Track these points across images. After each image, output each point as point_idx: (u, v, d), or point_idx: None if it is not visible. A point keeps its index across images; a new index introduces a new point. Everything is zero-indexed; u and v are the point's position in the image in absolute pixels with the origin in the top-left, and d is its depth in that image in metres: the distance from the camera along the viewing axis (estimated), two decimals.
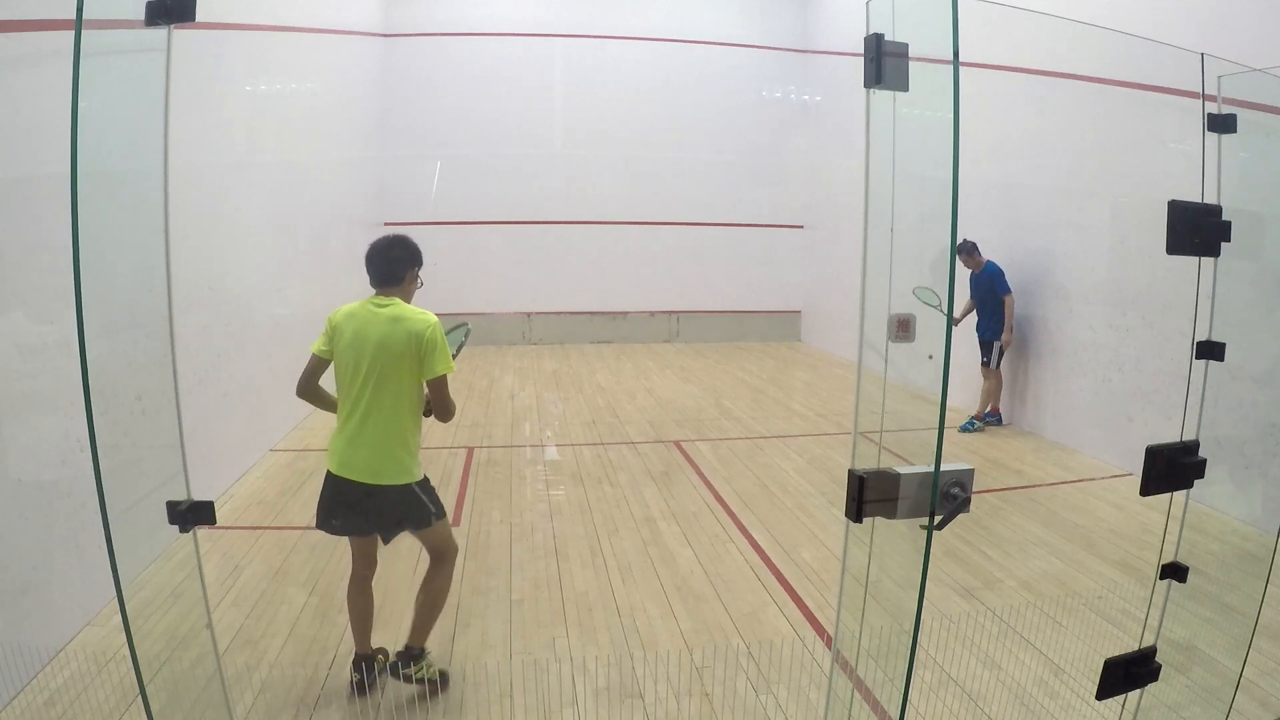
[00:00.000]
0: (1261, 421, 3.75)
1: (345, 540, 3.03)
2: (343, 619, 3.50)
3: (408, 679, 2.92)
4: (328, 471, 2.89)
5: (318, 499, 2.94)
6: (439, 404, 2.93)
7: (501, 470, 5.83)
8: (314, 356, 2.99)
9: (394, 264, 2.92)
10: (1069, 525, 4.70)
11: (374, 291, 2.94)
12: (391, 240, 2.96)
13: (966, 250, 6.74)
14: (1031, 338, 6.90)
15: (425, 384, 2.89)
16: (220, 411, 5.23)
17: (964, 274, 6.90)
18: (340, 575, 3.95)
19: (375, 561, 3.02)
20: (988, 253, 6.90)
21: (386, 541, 3.01)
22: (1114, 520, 4.78)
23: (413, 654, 2.94)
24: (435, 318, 2.88)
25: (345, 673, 3.05)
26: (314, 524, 3.01)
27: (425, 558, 3.07)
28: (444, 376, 2.87)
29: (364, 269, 2.94)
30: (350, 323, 2.89)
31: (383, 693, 2.96)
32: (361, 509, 2.86)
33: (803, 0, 12.46)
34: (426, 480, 2.95)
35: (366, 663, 2.95)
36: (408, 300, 2.96)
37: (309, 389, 3.04)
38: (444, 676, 3.00)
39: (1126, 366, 5.88)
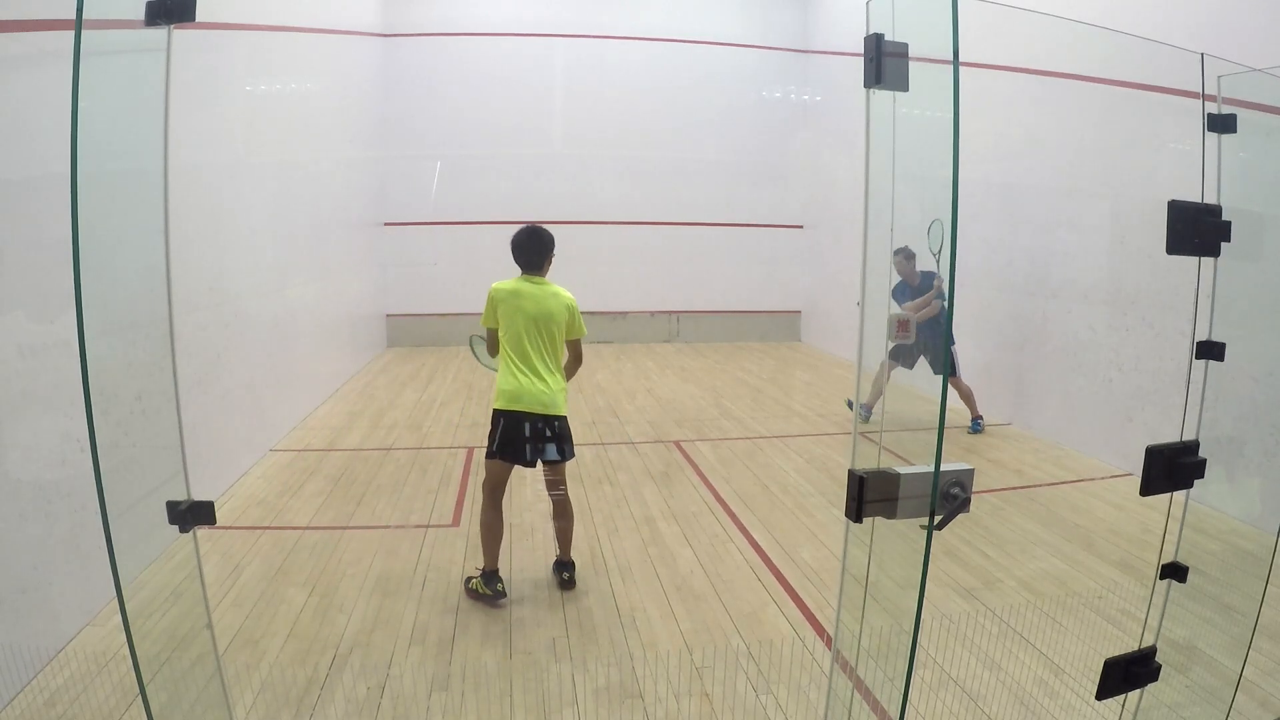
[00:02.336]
0: (1261, 421, 3.75)
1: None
2: (342, 618, 3.51)
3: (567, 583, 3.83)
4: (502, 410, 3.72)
5: (495, 435, 3.73)
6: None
7: None
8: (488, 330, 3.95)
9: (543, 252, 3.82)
10: (1069, 525, 4.70)
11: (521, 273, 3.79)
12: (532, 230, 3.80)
13: (905, 255, 6.24)
14: (1032, 337, 6.90)
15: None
16: (220, 411, 5.23)
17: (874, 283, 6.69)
18: (340, 575, 3.96)
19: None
20: (989, 251, 6.91)
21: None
22: (1114, 520, 4.78)
23: (566, 565, 3.89)
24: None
25: (345, 673, 3.05)
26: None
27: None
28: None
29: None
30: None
31: (383, 692, 2.96)
32: (534, 436, 3.71)
33: (803, 0, 12.46)
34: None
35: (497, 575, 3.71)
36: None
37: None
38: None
39: (1126, 366, 5.88)
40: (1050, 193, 6.68)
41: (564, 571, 3.88)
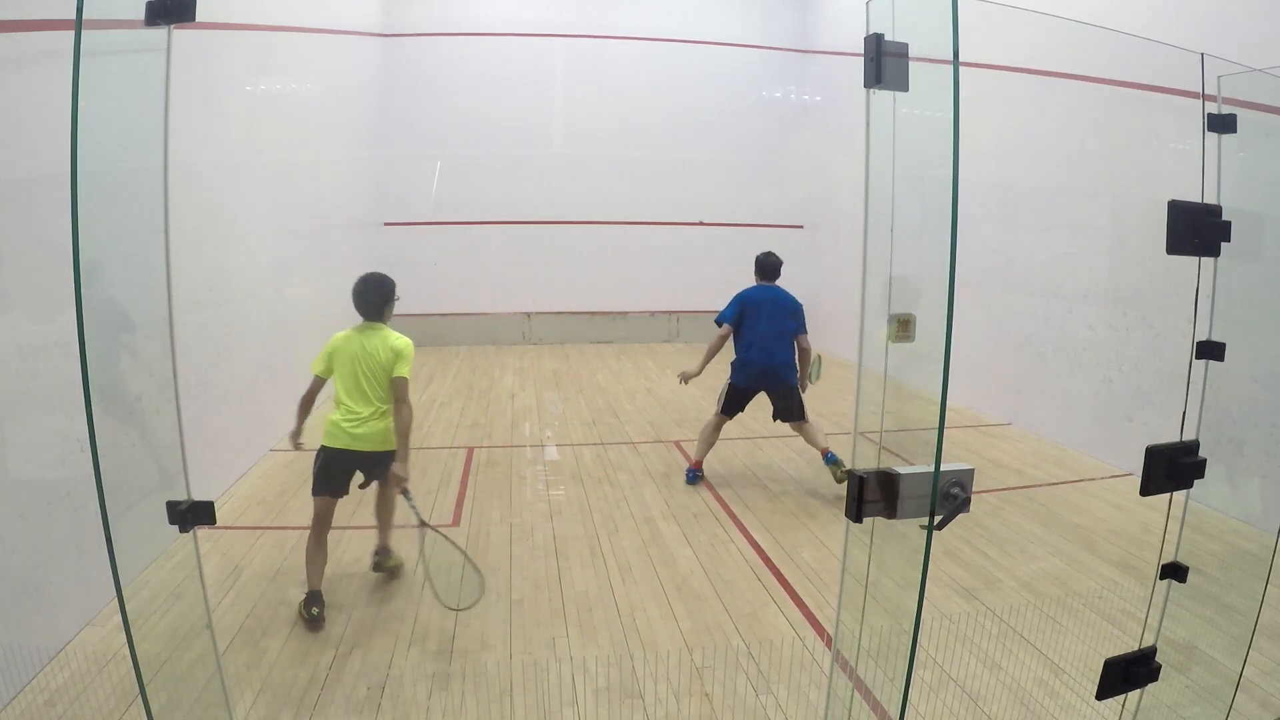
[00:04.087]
0: (1261, 421, 3.75)
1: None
2: (342, 618, 3.51)
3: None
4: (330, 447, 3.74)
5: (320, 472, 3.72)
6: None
7: (501, 470, 5.83)
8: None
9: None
10: (1069, 525, 4.70)
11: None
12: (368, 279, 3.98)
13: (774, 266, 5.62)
14: (1032, 338, 6.90)
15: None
16: (220, 411, 5.23)
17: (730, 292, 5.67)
18: (340, 575, 3.96)
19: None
20: (989, 251, 6.90)
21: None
22: (1114, 520, 4.78)
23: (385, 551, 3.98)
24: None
25: (345, 673, 3.05)
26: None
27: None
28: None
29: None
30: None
31: (383, 692, 2.96)
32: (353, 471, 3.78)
33: (803, 0, 12.46)
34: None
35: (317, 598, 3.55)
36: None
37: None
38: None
39: (1126, 366, 5.88)
40: (1050, 193, 6.67)
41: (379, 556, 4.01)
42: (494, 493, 5.30)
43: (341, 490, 3.74)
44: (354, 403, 3.70)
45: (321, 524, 3.68)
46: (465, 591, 3.46)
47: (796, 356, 5.44)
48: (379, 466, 3.78)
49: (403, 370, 3.79)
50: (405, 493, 3.66)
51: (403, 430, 3.66)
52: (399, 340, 3.91)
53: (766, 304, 5.38)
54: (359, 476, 3.82)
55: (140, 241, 1.90)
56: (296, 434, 3.87)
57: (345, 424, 3.66)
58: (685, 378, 5.56)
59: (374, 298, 3.98)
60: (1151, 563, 2.36)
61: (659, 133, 12.15)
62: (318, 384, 3.86)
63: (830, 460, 5.31)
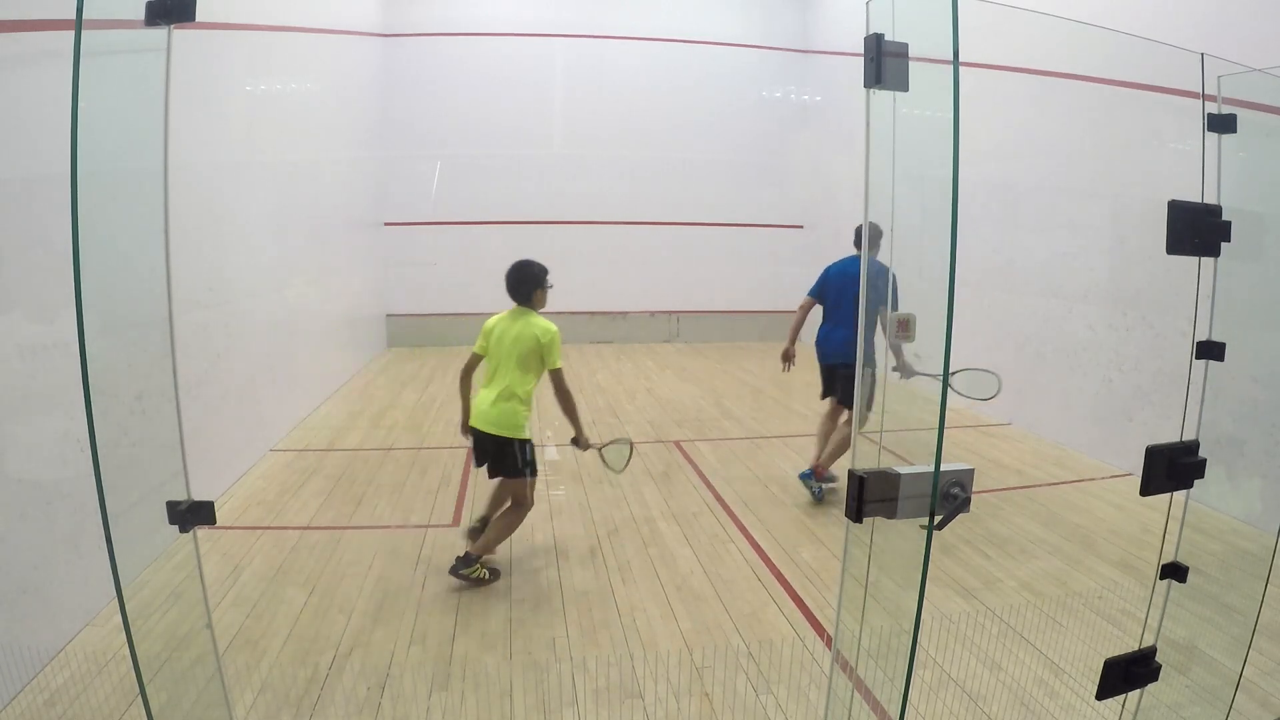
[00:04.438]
0: (1261, 421, 3.75)
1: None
2: (342, 618, 3.52)
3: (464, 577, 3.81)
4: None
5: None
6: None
7: None
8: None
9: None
10: (1069, 525, 4.70)
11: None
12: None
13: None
14: (1032, 338, 6.90)
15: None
16: (220, 411, 5.23)
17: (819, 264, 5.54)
18: (340, 575, 3.96)
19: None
20: (989, 251, 6.90)
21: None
22: (1114, 520, 4.78)
23: (470, 560, 3.84)
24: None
25: (345, 673, 3.06)
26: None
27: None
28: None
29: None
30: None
31: (383, 692, 2.96)
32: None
33: (803, 0, 12.46)
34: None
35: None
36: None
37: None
38: (494, 573, 3.92)
39: (1126, 366, 5.88)
40: (1050, 193, 6.67)
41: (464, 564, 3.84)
42: None
43: (479, 465, 4.06)
44: (490, 383, 3.97)
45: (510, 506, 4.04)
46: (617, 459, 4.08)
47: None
48: (502, 458, 3.93)
49: (554, 361, 3.97)
50: (587, 448, 4.13)
51: (570, 411, 4.05)
52: (543, 329, 3.95)
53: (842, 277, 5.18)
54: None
55: (140, 241, 1.90)
56: (464, 418, 4.08)
57: (481, 404, 3.96)
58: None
59: (522, 284, 4.02)
60: (1151, 563, 2.36)
61: (659, 133, 12.15)
62: (474, 360, 4.07)
63: (805, 477, 5.08)
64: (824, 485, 5.05)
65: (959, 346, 1.60)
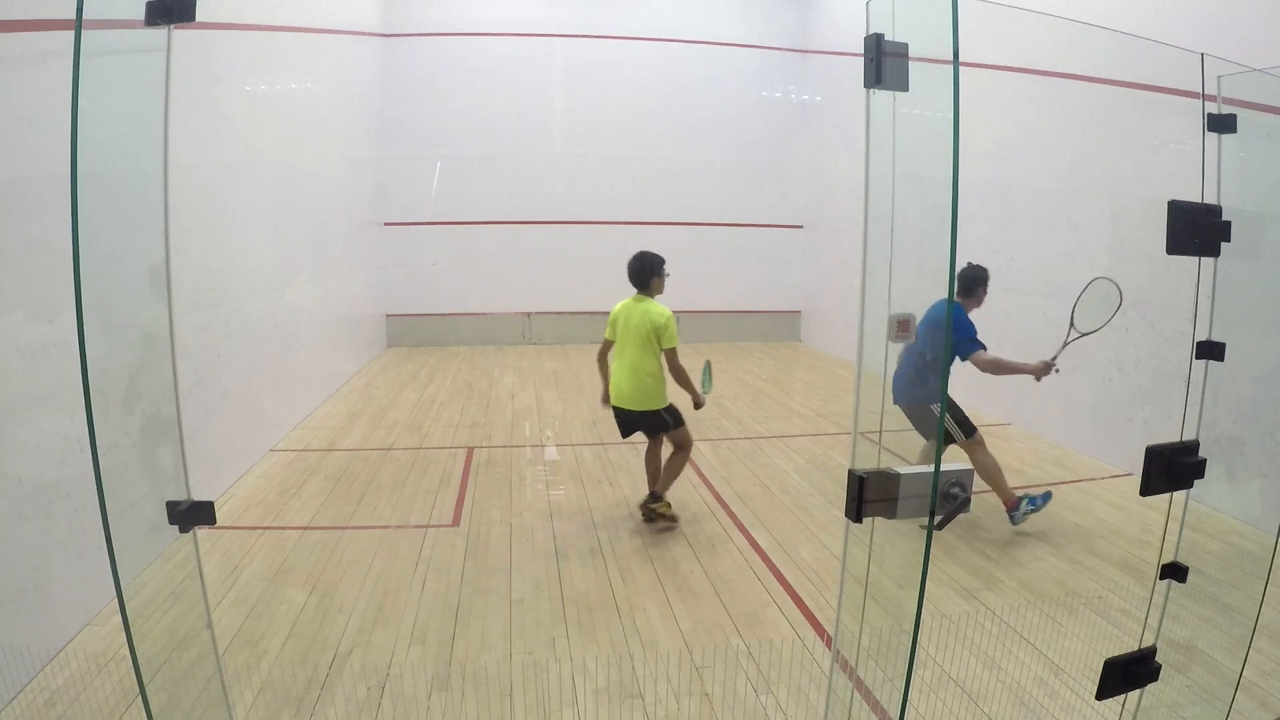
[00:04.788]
0: (1261, 421, 3.75)
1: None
2: (342, 618, 3.52)
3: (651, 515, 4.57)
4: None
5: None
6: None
7: (501, 470, 5.83)
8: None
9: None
10: (1069, 525, 4.70)
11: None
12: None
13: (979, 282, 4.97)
14: (1032, 337, 6.90)
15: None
16: (220, 411, 5.23)
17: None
18: (340, 575, 3.96)
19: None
20: (989, 251, 6.88)
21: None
22: (1114, 520, 4.78)
23: (658, 496, 4.59)
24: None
25: (345, 673, 3.06)
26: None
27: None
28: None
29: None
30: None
31: (383, 692, 2.96)
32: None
33: (803, 0, 12.46)
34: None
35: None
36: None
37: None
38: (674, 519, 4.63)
39: (1126, 366, 5.88)
40: (1050, 193, 6.67)
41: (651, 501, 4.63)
42: (494, 493, 5.30)
43: (625, 436, 4.73)
44: (619, 364, 4.50)
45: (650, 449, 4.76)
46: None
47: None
48: (643, 424, 4.57)
49: (668, 341, 4.45)
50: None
51: (685, 384, 4.52)
52: (659, 312, 4.50)
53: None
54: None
55: (140, 242, 1.90)
56: (604, 392, 4.69)
57: (620, 384, 4.50)
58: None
59: (642, 271, 4.55)
60: (1151, 563, 2.36)
61: (659, 133, 12.15)
62: (606, 345, 4.67)
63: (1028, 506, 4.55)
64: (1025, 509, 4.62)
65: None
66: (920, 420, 4.30)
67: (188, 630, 2.07)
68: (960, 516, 1.66)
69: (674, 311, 4.71)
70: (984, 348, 4.82)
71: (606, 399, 4.65)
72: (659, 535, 4.55)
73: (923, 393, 4.25)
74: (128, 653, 1.83)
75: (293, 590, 3.79)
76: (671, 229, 12.31)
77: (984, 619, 3.53)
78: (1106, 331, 6.09)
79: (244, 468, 5.64)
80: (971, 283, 4.91)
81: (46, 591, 3.17)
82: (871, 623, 1.78)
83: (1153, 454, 2.03)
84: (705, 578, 3.99)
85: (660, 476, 4.64)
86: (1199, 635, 2.39)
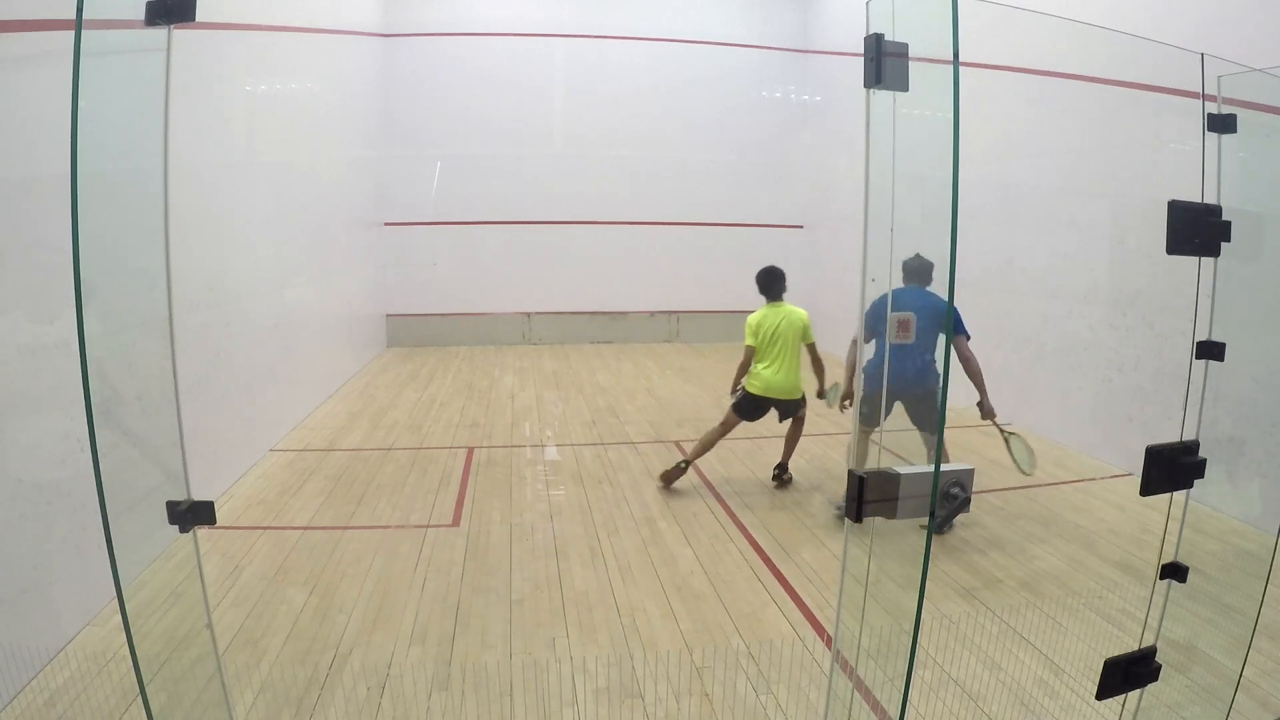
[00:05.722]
0: (1261, 421, 3.75)
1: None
2: (342, 618, 3.52)
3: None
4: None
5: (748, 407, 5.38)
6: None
7: (501, 470, 5.83)
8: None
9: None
10: (1069, 525, 4.70)
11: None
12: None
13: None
14: (1032, 338, 6.90)
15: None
16: (220, 411, 5.23)
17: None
18: (340, 575, 3.96)
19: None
20: (989, 251, 6.89)
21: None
22: (1114, 520, 4.78)
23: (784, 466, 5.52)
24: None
25: (345, 673, 3.06)
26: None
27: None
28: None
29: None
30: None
31: (383, 692, 2.96)
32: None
33: (803, 0, 12.46)
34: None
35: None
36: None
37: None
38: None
39: (1126, 366, 5.88)
40: (1050, 193, 6.67)
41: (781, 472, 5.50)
42: (494, 493, 5.30)
43: (753, 420, 5.42)
44: (775, 360, 5.25)
45: (725, 431, 5.42)
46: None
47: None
48: (789, 407, 5.36)
49: (810, 337, 5.34)
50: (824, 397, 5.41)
51: (819, 369, 5.33)
52: (801, 314, 5.38)
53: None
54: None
55: (140, 241, 1.90)
56: (735, 386, 5.46)
57: (774, 379, 5.23)
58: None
59: (776, 283, 5.40)
60: (1151, 563, 2.36)
61: (659, 133, 12.15)
62: (750, 352, 5.36)
63: None
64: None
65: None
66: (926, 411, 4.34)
67: (188, 630, 2.07)
68: (960, 516, 1.66)
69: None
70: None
71: (746, 392, 5.35)
72: (659, 535, 4.55)
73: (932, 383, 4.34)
74: (128, 653, 1.83)
75: (293, 590, 3.79)
76: (671, 229, 12.32)
77: (984, 619, 3.53)
78: (1106, 331, 6.11)
79: (244, 468, 5.64)
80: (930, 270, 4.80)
81: (46, 591, 3.17)
82: (871, 623, 1.78)
83: (1153, 454, 2.03)
84: (705, 578, 3.99)
85: (785, 449, 5.52)
86: (1199, 635, 2.39)
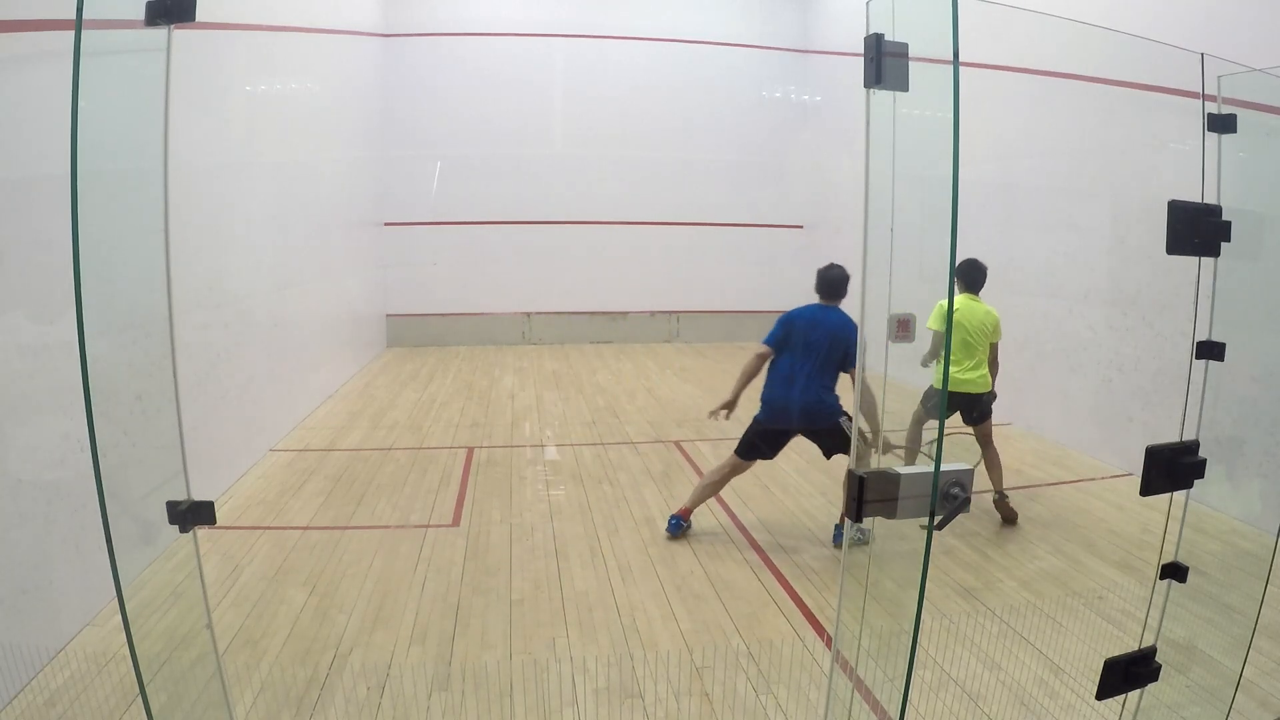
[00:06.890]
0: (1261, 421, 3.75)
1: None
2: (342, 618, 3.52)
3: None
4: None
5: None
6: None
7: (501, 470, 5.83)
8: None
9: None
10: (1069, 525, 4.70)
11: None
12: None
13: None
14: (1032, 338, 6.90)
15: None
16: (220, 411, 5.23)
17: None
18: (340, 575, 3.96)
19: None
20: (989, 251, 6.87)
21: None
22: (1114, 520, 4.78)
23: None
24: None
25: (345, 673, 3.06)
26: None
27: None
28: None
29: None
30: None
31: (383, 692, 2.96)
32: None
33: (803, 0, 12.46)
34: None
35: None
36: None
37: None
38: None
39: (1126, 366, 5.88)
40: (1050, 193, 6.67)
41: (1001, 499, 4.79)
42: (494, 493, 5.30)
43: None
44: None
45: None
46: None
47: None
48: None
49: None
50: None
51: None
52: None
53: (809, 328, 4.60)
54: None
55: (140, 241, 1.90)
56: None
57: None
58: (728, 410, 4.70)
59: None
60: (1151, 563, 2.36)
61: (659, 133, 12.15)
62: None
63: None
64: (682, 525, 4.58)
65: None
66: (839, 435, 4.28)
67: (188, 630, 2.07)
68: (960, 516, 1.66)
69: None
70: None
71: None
72: (659, 535, 4.55)
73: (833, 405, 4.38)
74: (128, 653, 1.83)
75: (293, 590, 3.79)
76: (672, 229, 12.32)
77: (984, 619, 3.53)
78: (1106, 331, 6.11)
79: (244, 468, 5.64)
80: (844, 284, 4.71)
81: (46, 591, 3.17)
82: (871, 623, 1.78)
83: (1153, 454, 2.03)
84: (705, 578, 3.99)
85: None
86: (1199, 635, 2.39)
